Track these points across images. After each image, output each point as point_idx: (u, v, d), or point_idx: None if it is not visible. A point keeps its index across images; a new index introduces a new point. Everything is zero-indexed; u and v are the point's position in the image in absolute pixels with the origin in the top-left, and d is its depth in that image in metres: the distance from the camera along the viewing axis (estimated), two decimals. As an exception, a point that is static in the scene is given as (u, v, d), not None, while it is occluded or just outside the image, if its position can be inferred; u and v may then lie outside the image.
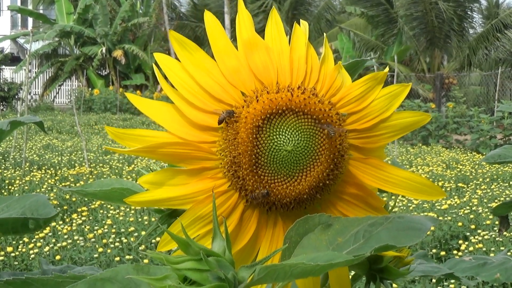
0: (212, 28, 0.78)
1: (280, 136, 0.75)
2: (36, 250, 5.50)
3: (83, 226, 6.32)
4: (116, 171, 9.62)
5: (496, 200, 7.31)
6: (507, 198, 7.20)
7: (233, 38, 0.81)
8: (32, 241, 5.80)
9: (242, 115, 0.75)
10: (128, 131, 0.76)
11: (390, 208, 0.89)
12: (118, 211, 6.76)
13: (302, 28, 0.81)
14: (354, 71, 0.93)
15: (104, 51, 27.85)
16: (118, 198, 0.90)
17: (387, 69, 0.81)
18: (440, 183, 8.46)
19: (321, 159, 0.76)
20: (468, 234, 5.99)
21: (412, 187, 0.79)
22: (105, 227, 6.22)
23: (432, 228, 5.78)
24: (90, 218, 6.83)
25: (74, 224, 6.33)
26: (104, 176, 9.11)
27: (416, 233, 0.66)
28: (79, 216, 6.72)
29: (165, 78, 0.77)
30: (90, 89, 27.51)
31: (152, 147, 0.74)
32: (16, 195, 1.73)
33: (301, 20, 0.83)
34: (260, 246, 0.79)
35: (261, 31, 0.80)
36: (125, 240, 5.81)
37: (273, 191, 0.76)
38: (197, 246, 0.65)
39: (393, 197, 0.93)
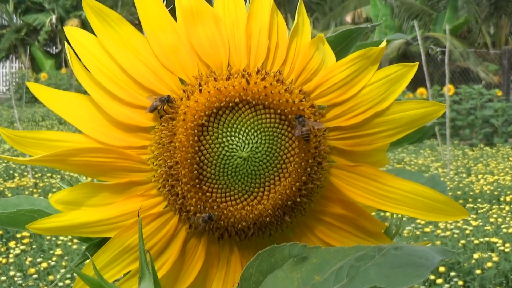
0: None
1: (232, 138, 0.74)
2: (-42, 291, 5.49)
3: (23, 258, 6.31)
4: (71, 183, 9.57)
5: None
6: None
7: (172, 6, 0.81)
8: (-46, 278, 5.80)
9: (180, 110, 0.75)
10: (30, 134, 0.76)
11: (393, 232, 0.88)
12: (70, 237, 6.74)
13: None
14: (345, 47, 0.91)
15: (54, 20, 27.86)
16: (27, 224, 0.89)
17: (384, 43, 0.80)
18: (507, 198, 8.42)
19: (289, 169, 0.76)
20: (545, 266, 5.95)
21: (420, 204, 0.78)
22: (53, 258, 6.20)
23: (495, 258, 5.76)
24: (34, 246, 6.81)
25: (11, 255, 6.32)
26: (54, 190, 9.09)
27: (417, 271, 0.65)
28: (18, 244, 6.70)
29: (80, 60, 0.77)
30: (35, 72, 27.47)
31: (61, 155, 0.74)
32: None
33: None
34: (211, 287, 0.79)
35: (211, -1, 0.80)
36: (78, 277, 5.79)
37: (223, 212, 0.76)
38: (116, 290, 0.65)
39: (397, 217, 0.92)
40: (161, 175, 0.76)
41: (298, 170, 0.76)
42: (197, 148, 0.74)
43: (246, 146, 0.74)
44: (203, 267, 0.78)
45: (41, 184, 9.35)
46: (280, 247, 0.70)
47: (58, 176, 9.98)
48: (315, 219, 0.80)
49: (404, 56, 21.32)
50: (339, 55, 0.82)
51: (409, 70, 0.78)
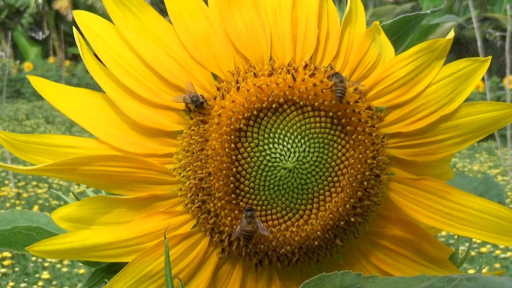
0: None
1: (275, 145, 0.74)
2: None
3: (4, 282, 6.34)
4: (60, 193, 9.59)
5: None
6: None
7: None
8: None
9: (213, 112, 0.75)
10: (33, 138, 0.75)
11: (459, 258, 0.88)
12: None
13: None
14: (401, 36, 0.91)
15: (40, 1, 27.93)
16: (24, 244, 0.88)
17: (451, 34, 0.80)
18: None
19: (342, 183, 0.76)
20: None
21: (493, 226, 0.78)
22: (40, 283, 6.23)
23: None
24: (16, 269, 6.85)
25: (-11, 279, 6.35)
26: (40, 202, 9.13)
27: (495, 307, 0.65)
28: (-2, 267, 6.75)
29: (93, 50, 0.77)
30: (18, 61, 27.55)
31: (70, 163, 0.73)
32: None
33: None
34: (246, 322, 0.79)
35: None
36: (70, 305, 5.82)
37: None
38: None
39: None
40: (189, 188, 0.75)
41: (353, 184, 0.75)
42: (233, 157, 0.74)
43: (292, 155, 0.74)
44: (237, 298, 0.78)
45: (25, 195, 9.38)
46: (330, 276, 0.70)
47: (45, 185, 10.01)
48: (370, 242, 0.80)
49: (457, 42, 21.22)
50: (395, 45, 0.82)
51: (481, 66, 0.79)
